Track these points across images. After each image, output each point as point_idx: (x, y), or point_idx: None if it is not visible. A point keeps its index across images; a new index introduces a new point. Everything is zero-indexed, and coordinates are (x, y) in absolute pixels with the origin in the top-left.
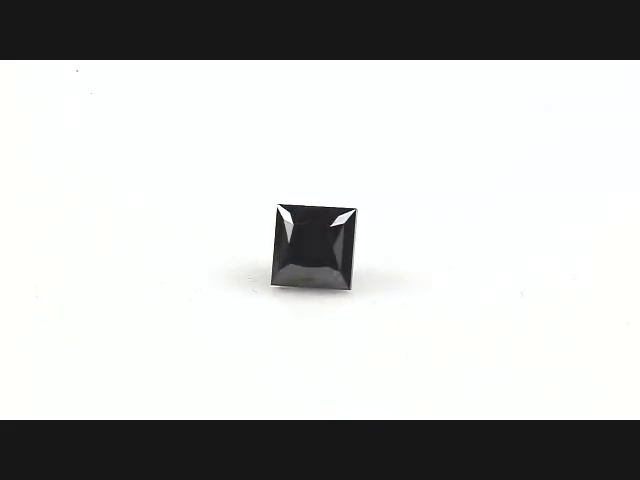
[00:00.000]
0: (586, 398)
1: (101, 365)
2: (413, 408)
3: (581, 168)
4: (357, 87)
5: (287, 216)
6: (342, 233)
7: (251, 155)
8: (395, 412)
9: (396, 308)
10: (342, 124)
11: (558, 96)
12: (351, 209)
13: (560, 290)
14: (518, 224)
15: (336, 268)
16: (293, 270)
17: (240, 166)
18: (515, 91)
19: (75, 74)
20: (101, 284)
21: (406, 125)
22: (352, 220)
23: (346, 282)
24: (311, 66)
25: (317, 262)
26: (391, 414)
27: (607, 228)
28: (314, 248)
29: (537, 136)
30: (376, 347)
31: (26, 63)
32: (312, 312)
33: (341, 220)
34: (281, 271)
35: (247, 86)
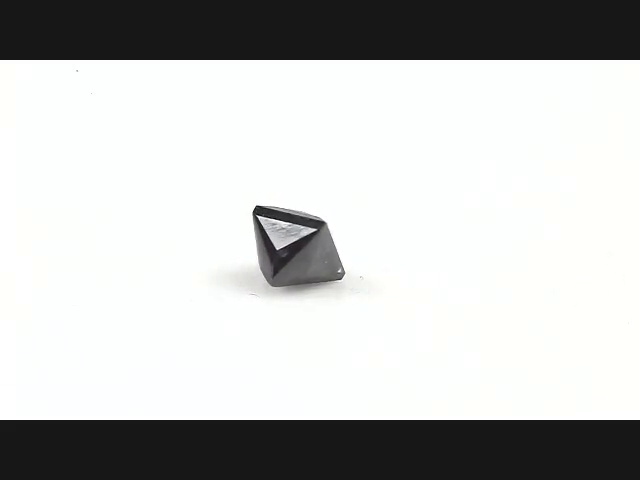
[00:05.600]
0: (586, 398)
1: (101, 365)
2: (412, 408)
3: (576, 167)
4: (354, 87)
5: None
6: None
7: (249, 155)
8: (395, 412)
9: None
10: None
11: (559, 96)
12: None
13: (559, 289)
14: (516, 226)
15: None
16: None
17: (237, 165)
18: (513, 91)
19: (75, 74)
20: (100, 284)
21: (390, 128)
22: None
23: None
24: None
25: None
26: (390, 414)
27: (605, 227)
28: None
29: (534, 135)
30: (376, 346)
31: (26, 63)
32: (310, 309)
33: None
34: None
35: (246, 86)
